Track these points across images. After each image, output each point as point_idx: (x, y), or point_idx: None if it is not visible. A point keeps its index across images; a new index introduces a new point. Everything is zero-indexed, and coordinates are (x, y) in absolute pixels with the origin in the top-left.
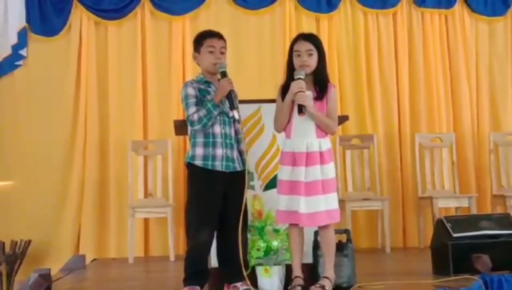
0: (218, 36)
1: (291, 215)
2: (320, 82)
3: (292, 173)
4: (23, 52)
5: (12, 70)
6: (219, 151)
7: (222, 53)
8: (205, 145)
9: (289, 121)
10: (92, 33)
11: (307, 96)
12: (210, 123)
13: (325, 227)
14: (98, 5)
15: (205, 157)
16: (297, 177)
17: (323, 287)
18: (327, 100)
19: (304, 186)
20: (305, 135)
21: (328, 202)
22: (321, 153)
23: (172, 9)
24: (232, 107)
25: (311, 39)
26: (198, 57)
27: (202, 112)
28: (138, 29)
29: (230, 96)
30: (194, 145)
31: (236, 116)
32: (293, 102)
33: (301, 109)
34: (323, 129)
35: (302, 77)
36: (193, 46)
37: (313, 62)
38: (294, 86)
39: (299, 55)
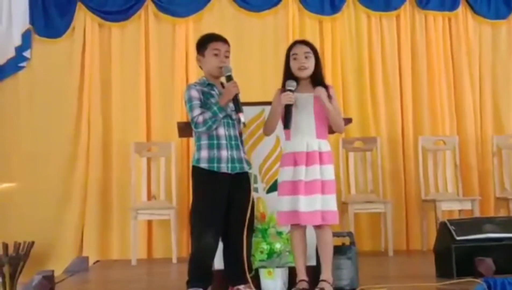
0: (223, 40)
1: (292, 215)
2: (319, 85)
3: (294, 173)
4: (26, 54)
5: (15, 72)
6: (224, 153)
7: (226, 57)
8: (210, 147)
9: (289, 126)
10: (95, 35)
11: (321, 90)
12: (214, 126)
13: (320, 228)
14: (102, 7)
15: (210, 160)
16: (298, 177)
17: (323, 289)
18: (330, 100)
19: (304, 185)
20: (305, 134)
21: (324, 204)
22: (320, 154)
23: (175, 11)
24: (238, 110)
25: (308, 43)
26: (202, 60)
27: (208, 114)
28: (141, 31)
29: (236, 99)
30: (199, 148)
31: (242, 119)
32: (285, 110)
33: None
34: (334, 127)
35: (292, 89)
36: (197, 49)
37: (311, 64)
38: (283, 99)
39: (295, 58)
